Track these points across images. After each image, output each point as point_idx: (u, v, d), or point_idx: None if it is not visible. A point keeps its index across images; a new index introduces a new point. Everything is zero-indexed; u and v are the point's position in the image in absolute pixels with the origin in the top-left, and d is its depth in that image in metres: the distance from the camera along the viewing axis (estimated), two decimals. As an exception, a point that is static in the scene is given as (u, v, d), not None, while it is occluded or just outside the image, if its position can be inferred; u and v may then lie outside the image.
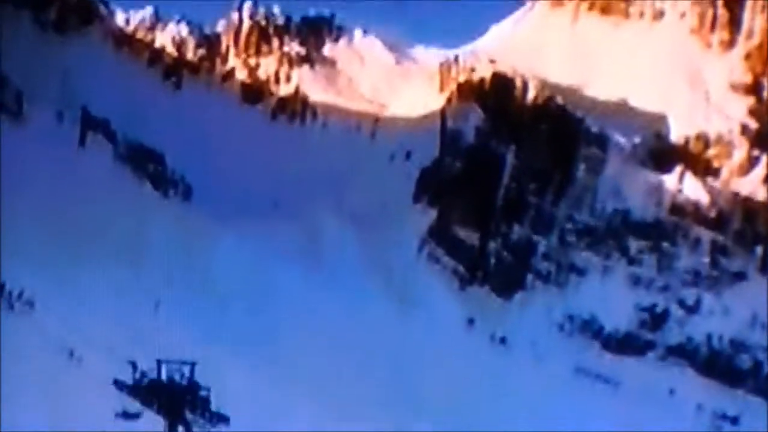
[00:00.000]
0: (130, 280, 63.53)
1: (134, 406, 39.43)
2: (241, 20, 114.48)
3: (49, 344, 49.66)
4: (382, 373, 65.76)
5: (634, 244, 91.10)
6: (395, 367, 68.18)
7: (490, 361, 72.47)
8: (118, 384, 46.31)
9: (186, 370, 38.40)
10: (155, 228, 69.22)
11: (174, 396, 38.20)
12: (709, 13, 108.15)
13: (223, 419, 41.12)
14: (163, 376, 38.23)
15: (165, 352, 40.56)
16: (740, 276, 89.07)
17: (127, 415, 40.00)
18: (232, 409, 41.57)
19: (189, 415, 38.29)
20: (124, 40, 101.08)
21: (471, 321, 76.62)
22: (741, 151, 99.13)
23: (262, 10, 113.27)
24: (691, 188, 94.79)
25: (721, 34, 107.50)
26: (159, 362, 38.44)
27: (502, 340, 76.15)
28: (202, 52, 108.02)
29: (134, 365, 39.08)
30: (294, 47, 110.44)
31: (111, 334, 53.71)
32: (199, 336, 57.01)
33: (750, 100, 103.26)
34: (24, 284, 53.32)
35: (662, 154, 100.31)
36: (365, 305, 73.63)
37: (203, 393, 39.15)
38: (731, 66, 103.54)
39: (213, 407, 39.72)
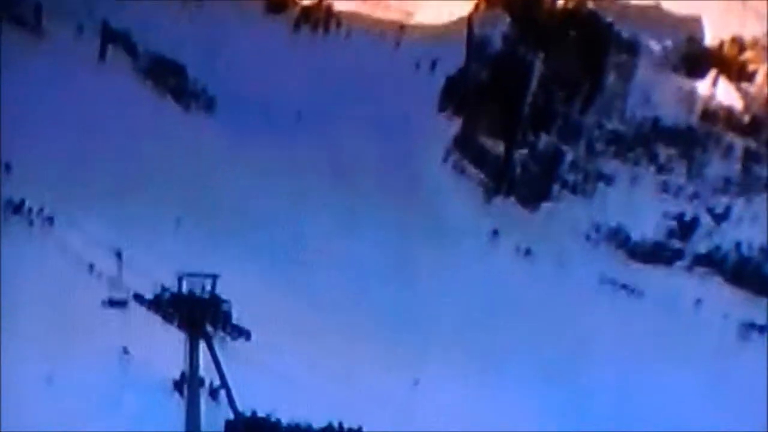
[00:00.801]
0: (152, 195, 64.57)
1: (120, 293, 40.52)
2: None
3: (68, 260, 50.86)
4: (404, 288, 66.79)
5: (663, 152, 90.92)
6: (417, 281, 69.23)
7: (514, 273, 73.44)
8: (138, 298, 47.60)
9: (207, 283, 39.37)
10: (177, 141, 70.06)
11: (195, 310, 39.21)
12: None
13: (245, 333, 42.31)
14: (184, 290, 39.18)
15: (186, 267, 41.74)
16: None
17: (113, 303, 41.04)
18: (254, 324, 42.80)
19: (210, 329, 39.30)
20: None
21: (495, 232, 77.36)
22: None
23: None
24: (725, 93, 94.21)
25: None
26: (180, 276, 39.45)
27: (527, 252, 76.96)
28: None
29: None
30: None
31: (131, 249, 54.99)
32: (222, 252, 58.15)
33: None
34: (43, 201, 54.44)
35: (695, 58, 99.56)
36: (389, 217, 74.38)
37: (225, 307, 40.29)
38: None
39: (234, 321, 40.86)
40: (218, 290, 38.09)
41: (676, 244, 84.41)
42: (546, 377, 63.18)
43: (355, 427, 46.14)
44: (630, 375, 66.02)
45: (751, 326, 76.01)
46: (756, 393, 66.93)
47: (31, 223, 54.20)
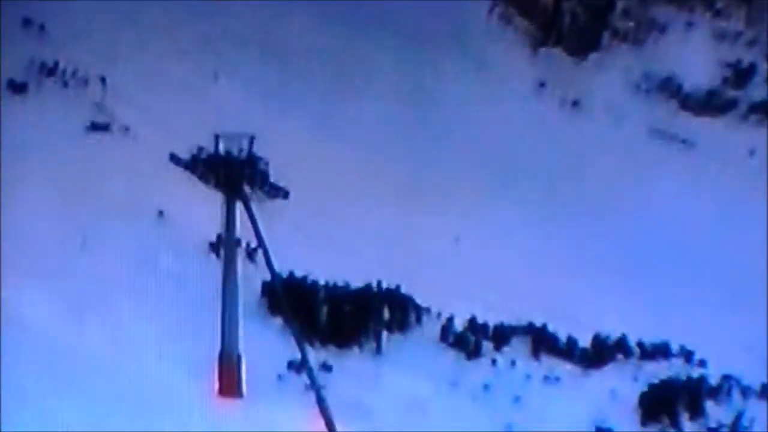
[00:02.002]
0: (190, 47, 64.22)
1: (102, 117, 40.51)
2: None
3: (102, 119, 50.98)
4: (446, 143, 66.53)
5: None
6: (464, 134, 68.95)
7: (561, 125, 72.94)
8: (174, 159, 48.08)
9: (244, 143, 39.56)
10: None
11: (231, 169, 39.47)
12: None
13: (282, 192, 42.64)
14: (221, 150, 39.44)
15: (223, 126, 41.88)
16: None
17: (95, 127, 41.09)
18: (293, 183, 43.07)
19: (247, 189, 39.65)
20: None
21: (542, 84, 76.61)
22: None
23: None
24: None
25: None
26: (216, 136, 39.70)
27: (575, 103, 76.19)
28: None
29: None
30: None
31: (167, 108, 55.04)
32: (261, 109, 58.12)
33: None
34: (78, 61, 54.42)
35: None
36: (436, 69, 73.80)
37: (262, 166, 40.49)
38: None
39: (272, 180, 41.13)
40: (256, 149, 38.30)
41: (731, 92, 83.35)
42: (594, 230, 63.14)
43: (393, 286, 46.77)
44: (682, 226, 65.89)
45: (803, 176, 75.40)
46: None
47: (65, 84, 54.26)
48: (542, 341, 46.85)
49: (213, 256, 43.64)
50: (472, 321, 46.65)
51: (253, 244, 41.21)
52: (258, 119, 53.47)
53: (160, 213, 46.30)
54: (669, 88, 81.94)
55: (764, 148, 77.21)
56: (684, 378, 46.77)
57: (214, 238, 43.87)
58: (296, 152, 52.08)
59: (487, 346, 45.65)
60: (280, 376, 39.04)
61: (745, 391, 47.49)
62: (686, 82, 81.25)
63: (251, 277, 41.82)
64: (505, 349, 45.98)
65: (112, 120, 52.36)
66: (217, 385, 36.35)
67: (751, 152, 77.19)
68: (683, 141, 76.73)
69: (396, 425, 37.27)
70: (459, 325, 45.94)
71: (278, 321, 40.74)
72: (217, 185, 38.99)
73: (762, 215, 68.52)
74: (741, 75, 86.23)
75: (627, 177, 68.83)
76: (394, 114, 66.55)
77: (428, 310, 46.47)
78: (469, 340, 45.49)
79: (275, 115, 58.77)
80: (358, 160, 59.69)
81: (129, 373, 34.97)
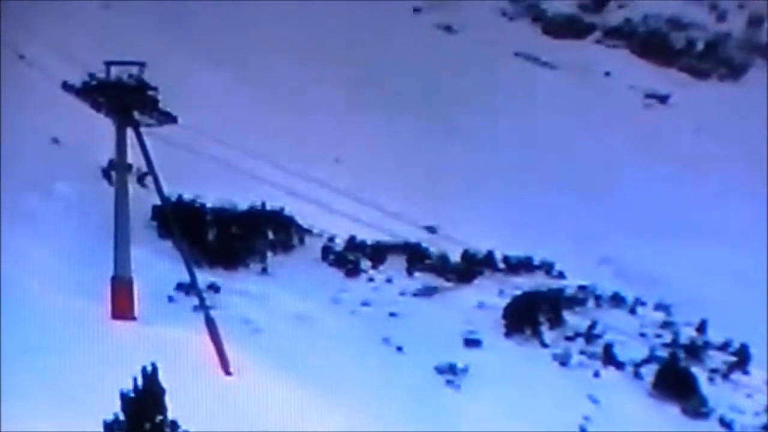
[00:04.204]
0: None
1: None
2: None
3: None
4: (331, 63, 65.08)
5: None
6: (345, 56, 67.63)
7: (435, 48, 72.01)
8: (67, 86, 46.09)
9: (134, 70, 38.41)
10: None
11: (122, 97, 38.27)
12: None
13: (171, 118, 41.16)
14: (112, 77, 38.27)
15: (115, 54, 40.14)
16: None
17: None
18: (182, 110, 41.46)
19: (138, 116, 38.44)
20: None
21: (417, 9, 75.38)
22: None
23: None
24: None
25: None
26: (107, 63, 38.35)
27: (447, 28, 75.20)
28: None
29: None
30: None
31: (59, 32, 52.69)
32: (151, 37, 55.95)
33: None
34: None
35: None
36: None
37: (151, 93, 39.08)
38: None
39: (161, 106, 39.61)
40: (146, 76, 36.85)
41: (589, 17, 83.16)
42: (463, 149, 62.60)
43: (277, 206, 45.79)
44: (546, 143, 65.73)
45: (653, 96, 75.66)
46: (656, 153, 67.32)
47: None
48: (416, 258, 46.73)
49: (105, 181, 42.31)
50: (351, 240, 46.18)
51: (144, 170, 39.91)
52: (147, 47, 51.62)
53: (55, 140, 44.56)
54: (532, 13, 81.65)
55: (619, 70, 77.54)
56: (545, 290, 47.09)
57: (106, 164, 42.48)
58: (185, 79, 50.57)
59: (365, 264, 45.53)
60: (170, 298, 38.09)
61: (599, 301, 47.94)
62: (548, 8, 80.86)
63: (142, 202, 40.63)
64: (382, 266, 45.88)
65: (6, 49, 50.10)
66: (110, 308, 35.32)
67: (607, 73, 77.30)
68: (545, 63, 76.53)
69: (282, 341, 36.55)
70: (339, 244, 45.52)
71: (168, 244, 39.77)
72: (109, 112, 37.50)
73: (621, 132, 68.92)
74: (598, 1, 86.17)
75: (495, 97, 68.27)
76: (281, 39, 64.85)
77: (310, 230, 45.84)
78: (348, 258, 45.15)
79: (165, 43, 56.83)
80: (244, 86, 58.17)
81: (24, 298, 33.61)
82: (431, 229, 48.56)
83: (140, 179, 41.34)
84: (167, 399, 23.26)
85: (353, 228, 45.61)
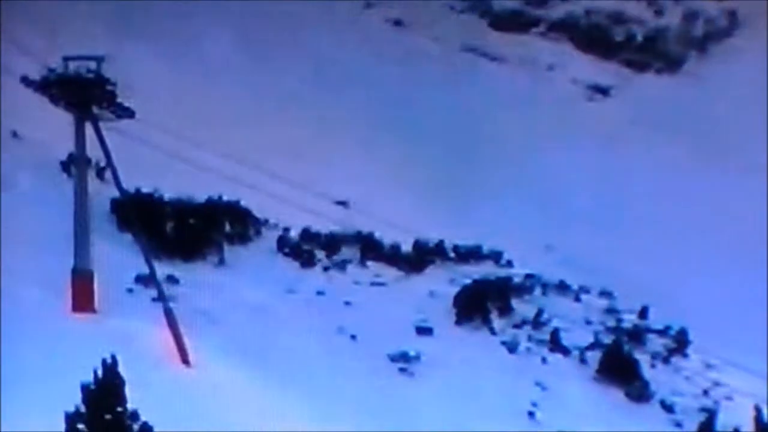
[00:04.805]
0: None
1: None
2: None
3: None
4: (287, 57, 64.61)
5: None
6: (299, 50, 67.17)
7: (386, 42, 71.77)
8: (26, 81, 45.18)
9: (93, 65, 37.80)
10: None
11: (81, 91, 37.60)
12: None
13: (129, 112, 40.50)
14: (71, 72, 37.61)
15: (74, 49, 39.39)
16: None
17: None
18: (141, 104, 40.75)
19: (96, 110, 37.86)
20: None
21: (369, 4, 75.04)
22: None
23: None
24: None
25: None
26: (66, 58, 37.74)
27: (397, 22, 74.97)
28: None
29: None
30: None
31: (18, 32, 51.78)
32: (108, 31, 55.23)
33: None
34: None
35: None
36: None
37: (110, 87, 38.50)
38: None
39: (119, 100, 38.97)
40: (104, 71, 36.25)
41: (533, 12, 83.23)
42: (416, 140, 62.53)
43: (234, 199, 45.30)
44: (494, 134, 65.74)
45: (595, 88, 76.02)
46: (594, 141, 67.50)
47: None
48: (369, 248, 46.47)
49: (65, 175, 41.60)
50: (306, 231, 45.85)
51: (102, 163, 39.27)
52: (105, 42, 50.85)
53: (14, 133, 43.76)
54: (479, 8, 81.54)
55: (562, 63, 77.74)
56: (493, 278, 47.03)
57: (65, 158, 41.77)
58: (142, 74, 49.85)
59: (320, 254, 45.21)
60: (129, 290, 37.55)
61: (546, 289, 47.98)
62: (495, 2, 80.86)
63: (101, 195, 39.99)
64: (336, 257, 45.61)
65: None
66: (71, 301, 34.71)
67: (551, 66, 77.47)
68: (492, 57, 76.52)
69: (239, 331, 36.12)
70: (294, 235, 45.14)
71: (127, 237, 39.20)
72: (68, 106, 36.82)
73: (564, 123, 69.06)
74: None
75: (444, 89, 68.30)
76: (236, 34, 64.28)
77: (266, 222, 45.42)
78: (303, 249, 44.78)
79: (122, 38, 56.03)
80: (201, 81, 57.53)
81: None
82: (343, 204, 48.19)
83: (99, 173, 40.70)
84: (127, 390, 23.02)
85: (308, 219, 45.48)
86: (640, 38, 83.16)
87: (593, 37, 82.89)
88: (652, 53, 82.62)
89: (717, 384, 41.93)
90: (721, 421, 39.36)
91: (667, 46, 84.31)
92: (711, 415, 40.17)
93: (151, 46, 58.38)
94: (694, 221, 58.48)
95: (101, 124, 36.17)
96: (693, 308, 47.85)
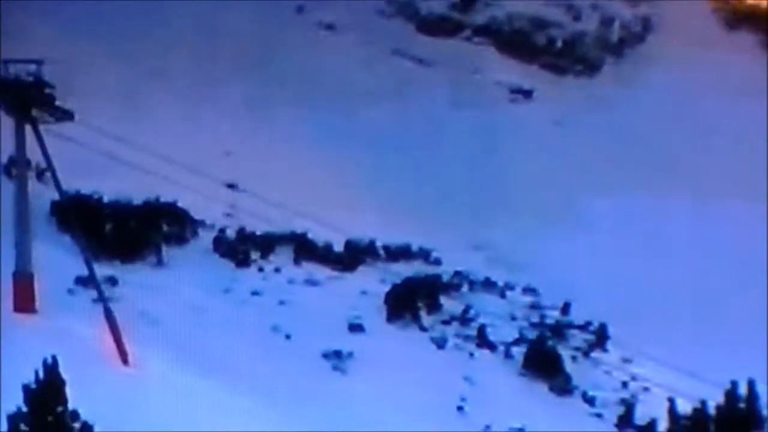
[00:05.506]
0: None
1: None
2: None
3: None
4: (220, 58, 63.93)
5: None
6: (231, 53, 66.59)
7: (318, 44, 71.40)
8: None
9: (32, 68, 37.43)
10: None
11: (20, 94, 37.13)
12: None
13: (69, 115, 39.98)
14: (10, 75, 37.14)
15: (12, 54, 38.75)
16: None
17: None
18: (80, 106, 40.14)
19: (36, 112, 37.43)
20: None
21: (300, 9, 74.55)
22: None
23: None
24: None
25: None
26: (5, 61, 37.24)
27: (329, 26, 74.66)
28: None
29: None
30: None
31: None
32: (48, 35, 54.24)
33: None
34: None
35: None
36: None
37: (48, 90, 38.05)
38: None
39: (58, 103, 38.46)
40: (43, 74, 35.74)
41: (458, 17, 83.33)
42: (348, 141, 62.14)
43: (170, 200, 44.86)
44: (415, 131, 65.69)
45: (518, 91, 76.26)
46: (518, 141, 67.78)
47: None
48: (303, 248, 46.29)
49: (5, 177, 40.87)
50: (241, 232, 45.53)
51: (43, 166, 38.67)
52: (45, 46, 50.00)
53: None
54: (407, 13, 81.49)
55: (487, 66, 77.96)
56: (423, 276, 47.09)
57: (6, 160, 41.04)
58: (82, 76, 49.15)
59: (255, 254, 44.93)
60: (70, 291, 37.03)
61: (473, 286, 48.16)
62: (422, 7, 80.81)
63: (41, 197, 39.37)
64: (271, 257, 45.36)
65: None
66: (12, 302, 34.19)
67: (476, 70, 77.62)
68: (420, 60, 76.50)
69: (178, 331, 35.80)
70: (230, 236, 44.81)
71: (67, 238, 38.59)
72: (7, 109, 36.22)
73: (489, 125, 69.28)
74: (466, 1, 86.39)
75: (376, 92, 68.00)
76: (175, 35, 63.36)
77: (203, 222, 45.06)
78: (238, 249, 44.48)
79: (62, 41, 55.11)
80: (142, 81, 56.78)
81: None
82: (232, 186, 47.93)
83: (39, 175, 40.06)
84: (68, 390, 22.80)
85: (243, 219, 45.21)
86: (560, 43, 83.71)
87: (516, 41, 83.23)
88: (571, 57, 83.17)
89: (634, 377, 42.44)
90: (639, 412, 40.01)
91: (585, 50, 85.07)
92: (629, 407, 40.78)
93: (91, 48, 57.43)
94: (616, 218, 59.05)
95: (41, 127, 35.68)
96: (612, 303, 48.34)
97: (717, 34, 79.41)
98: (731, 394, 26.94)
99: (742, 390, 26.74)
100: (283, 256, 44.98)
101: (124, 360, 33.15)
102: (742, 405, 26.77)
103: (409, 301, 43.39)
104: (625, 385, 42.37)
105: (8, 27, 54.19)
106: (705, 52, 76.79)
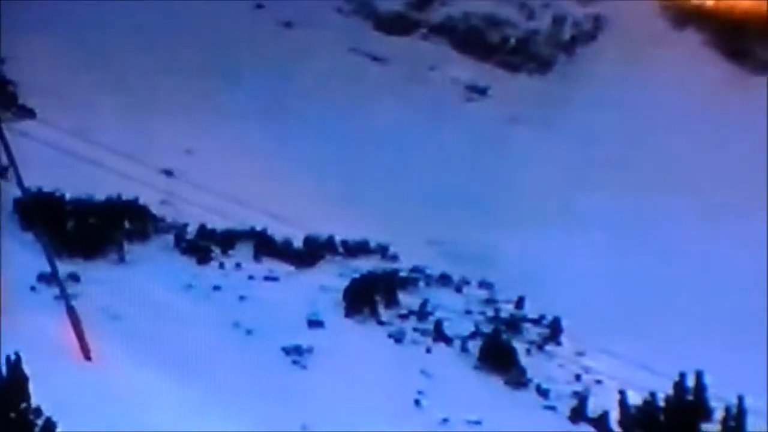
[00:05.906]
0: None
1: None
2: None
3: None
4: (180, 57, 63.70)
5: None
6: (191, 49, 66.29)
7: (275, 42, 71.24)
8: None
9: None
10: None
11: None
12: None
13: (30, 113, 39.72)
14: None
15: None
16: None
17: None
18: (42, 103, 39.85)
19: (-4, 110, 36.89)
20: None
21: (260, 6, 74.38)
22: None
23: None
24: None
25: None
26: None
27: (287, 24, 74.41)
28: None
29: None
30: None
31: None
32: (8, 32, 53.76)
33: None
34: None
35: None
36: None
37: (10, 88, 37.74)
38: None
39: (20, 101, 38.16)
40: (4, 72, 35.55)
41: (415, 15, 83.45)
42: (302, 139, 62.09)
43: (131, 198, 44.67)
44: (380, 134, 65.66)
45: (474, 88, 76.50)
46: (473, 138, 68.04)
47: None
48: (262, 244, 46.21)
49: (-33, 175, 40.46)
50: (202, 228, 45.37)
51: (5, 163, 38.34)
52: (5, 43, 49.64)
53: None
54: (365, 11, 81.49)
55: (442, 64, 78.13)
56: (380, 272, 47.17)
57: (-32, 159, 40.59)
58: (43, 74, 48.78)
59: (216, 251, 44.83)
60: (32, 288, 36.74)
61: (429, 281, 48.29)
62: (379, 5, 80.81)
63: (4, 194, 39.09)
64: (231, 252, 45.25)
65: None
66: (-27, 301, 33.89)
67: (432, 67, 77.79)
68: (376, 57, 76.56)
69: (139, 327, 35.68)
70: (191, 233, 44.67)
71: (29, 236, 38.25)
72: (-31, 112, 35.85)
73: (445, 122, 69.43)
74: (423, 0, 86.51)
75: (332, 89, 67.95)
76: (134, 32, 62.98)
77: (164, 219, 44.88)
78: (199, 246, 44.32)
79: (22, 38, 54.68)
80: (102, 79, 56.42)
81: None
82: (168, 173, 47.90)
83: (2, 173, 39.71)
84: (30, 386, 22.73)
85: (204, 216, 45.05)
86: (513, 41, 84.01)
87: (470, 39, 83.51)
88: (524, 55, 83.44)
89: (587, 370, 42.74)
90: (592, 404, 40.33)
91: (538, 48, 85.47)
92: (582, 399, 41.09)
93: (53, 46, 56.95)
94: (569, 213, 59.46)
95: (3, 125, 35.37)
96: (566, 297, 48.68)
97: (665, 32, 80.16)
98: (679, 385, 27.40)
99: (690, 382, 27.19)
100: (243, 252, 44.99)
101: (87, 356, 33.00)
102: (690, 397, 27.23)
103: (367, 297, 43.38)
104: (578, 377, 42.68)
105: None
106: (653, 49, 77.55)
